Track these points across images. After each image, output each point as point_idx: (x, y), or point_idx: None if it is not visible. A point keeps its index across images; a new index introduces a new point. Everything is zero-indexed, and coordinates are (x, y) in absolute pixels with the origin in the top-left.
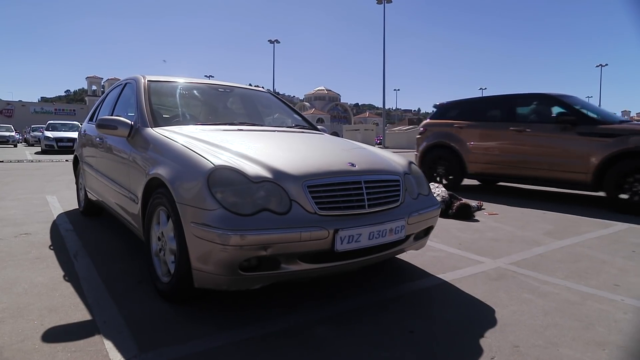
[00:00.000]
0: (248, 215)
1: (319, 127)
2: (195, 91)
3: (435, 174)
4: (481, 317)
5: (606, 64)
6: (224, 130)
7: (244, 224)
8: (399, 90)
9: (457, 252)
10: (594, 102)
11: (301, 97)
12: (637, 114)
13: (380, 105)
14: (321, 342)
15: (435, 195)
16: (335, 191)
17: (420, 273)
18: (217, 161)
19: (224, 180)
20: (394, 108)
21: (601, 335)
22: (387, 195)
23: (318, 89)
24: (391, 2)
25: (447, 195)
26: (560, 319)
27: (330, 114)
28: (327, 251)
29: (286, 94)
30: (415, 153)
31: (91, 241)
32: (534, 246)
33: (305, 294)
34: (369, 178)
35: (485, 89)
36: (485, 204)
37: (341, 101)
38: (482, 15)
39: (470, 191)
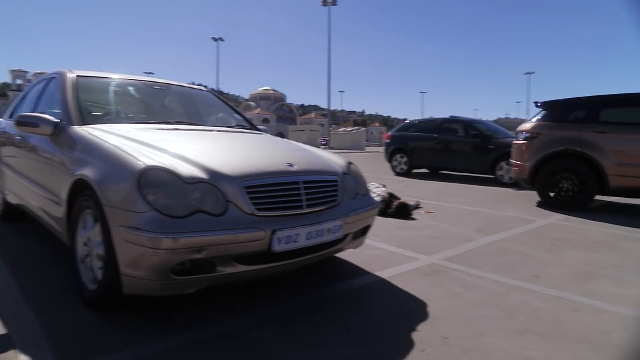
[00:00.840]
0: (181, 217)
1: (260, 127)
2: (128, 88)
3: (556, 190)
4: (414, 311)
5: (534, 72)
6: (159, 129)
7: (177, 226)
8: (344, 92)
9: (395, 249)
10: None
11: (246, 97)
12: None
13: (326, 106)
14: (260, 344)
15: (375, 194)
16: (273, 191)
17: (358, 271)
18: (149, 161)
19: (155, 181)
20: (339, 109)
21: (522, 324)
22: (326, 196)
23: (264, 88)
24: (335, 4)
25: (386, 195)
26: (486, 310)
27: (276, 114)
28: (264, 252)
29: (231, 94)
30: (357, 152)
31: (11, 248)
32: (466, 242)
33: (244, 295)
34: (308, 178)
35: (426, 92)
36: (423, 202)
37: (287, 101)
38: (424, 22)
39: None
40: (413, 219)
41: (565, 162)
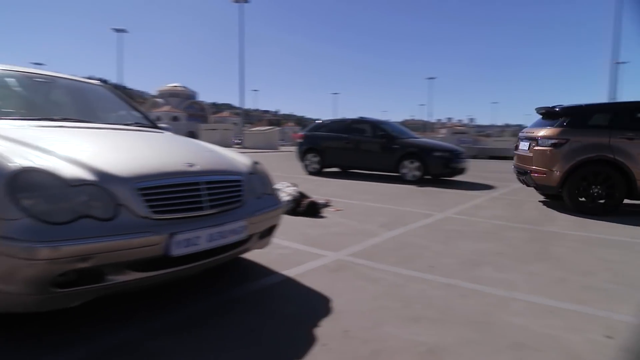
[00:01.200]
0: (63, 224)
1: (162, 125)
2: (4, 80)
3: (587, 196)
4: (318, 308)
5: (435, 77)
6: (40, 126)
7: (58, 233)
8: (258, 91)
9: (303, 247)
10: (425, 109)
11: (153, 93)
12: (458, 120)
13: (237, 104)
14: (159, 353)
15: (285, 194)
16: (171, 193)
17: (265, 271)
18: (24, 162)
19: (32, 184)
20: (253, 108)
21: (417, 312)
22: (229, 196)
23: (173, 85)
24: (248, 1)
25: (297, 194)
26: (386, 301)
27: (187, 112)
28: (161, 257)
29: (136, 89)
30: (271, 152)
31: None
32: (371, 238)
33: (143, 302)
34: (209, 179)
35: (338, 93)
36: (332, 200)
37: (198, 99)
38: (337, 28)
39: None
40: (323, 217)
41: (596, 168)
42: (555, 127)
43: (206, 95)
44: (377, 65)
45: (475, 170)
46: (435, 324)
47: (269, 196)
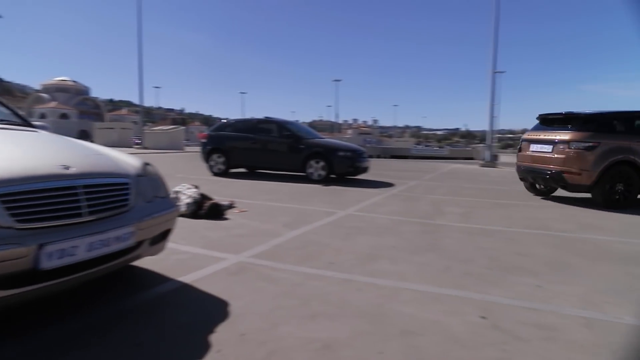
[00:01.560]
0: None
1: (37, 123)
2: None
3: (614, 193)
4: (214, 313)
5: (341, 79)
6: None
7: None
8: (160, 88)
9: (202, 251)
10: (333, 110)
11: (37, 87)
12: (363, 121)
13: (137, 102)
14: None
15: (185, 196)
16: (41, 199)
17: (160, 279)
18: None
19: None
20: (155, 106)
21: (314, 309)
22: (113, 200)
23: (60, 79)
24: None
25: (198, 196)
26: (285, 301)
27: (78, 109)
28: (30, 271)
29: (15, 82)
30: (176, 152)
31: None
32: (274, 238)
33: (15, 321)
34: (88, 182)
35: (246, 93)
36: (237, 201)
37: (92, 95)
38: (242, 27)
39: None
40: (226, 218)
41: (621, 169)
42: (584, 131)
43: (102, 91)
44: (285, 66)
45: (378, 169)
46: (331, 319)
47: (161, 199)
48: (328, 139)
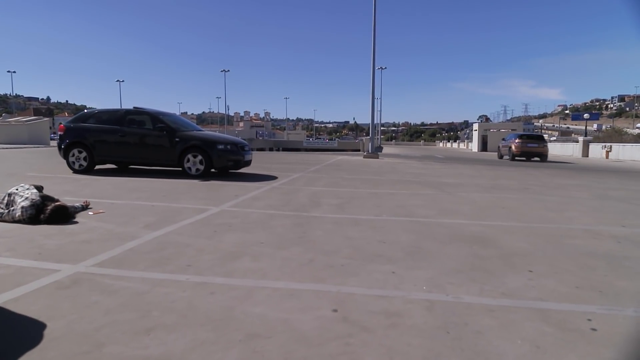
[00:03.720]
0: None
1: None
2: None
3: None
4: (24, 339)
5: (229, 70)
6: None
7: None
8: (15, 72)
9: (31, 264)
10: (222, 103)
11: None
12: (255, 114)
13: None
14: None
15: (22, 198)
16: None
17: None
18: None
19: None
20: (11, 94)
21: (153, 321)
22: None
23: None
24: None
25: (38, 198)
26: (120, 315)
27: None
28: None
29: None
30: (40, 147)
31: None
32: (128, 241)
33: None
34: None
35: (123, 81)
36: (96, 202)
37: None
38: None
39: None
40: (75, 222)
41: None
42: None
43: None
44: (169, 55)
45: (265, 162)
46: (170, 331)
47: None
48: (207, 131)
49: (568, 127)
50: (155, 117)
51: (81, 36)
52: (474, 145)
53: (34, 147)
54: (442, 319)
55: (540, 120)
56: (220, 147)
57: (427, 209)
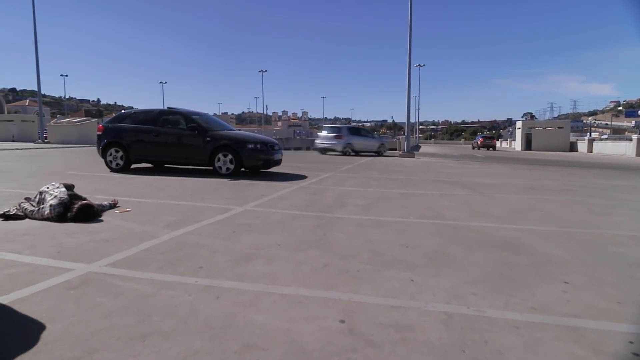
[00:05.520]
0: None
1: None
2: None
3: None
4: (19, 342)
5: (266, 70)
6: None
7: None
8: (67, 76)
9: (48, 262)
10: (260, 102)
11: None
12: (292, 113)
13: (48, 92)
14: None
15: (52, 196)
16: None
17: None
18: None
19: None
20: (65, 97)
21: (152, 326)
22: None
23: None
24: None
25: (66, 197)
26: (120, 318)
27: None
28: None
29: None
30: (87, 147)
31: None
32: (146, 241)
33: None
34: None
35: (166, 82)
36: (125, 200)
37: None
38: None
39: None
40: (100, 220)
41: None
42: None
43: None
44: (209, 60)
45: (297, 161)
46: (165, 338)
47: None
48: (238, 130)
49: (621, 125)
50: (188, 117)
51: (129, 38)
52: (517, 144)
53: (82, 146)
54: (459, 335)
55: (590, 118)
56: (250, 146)
57: (457, 210)
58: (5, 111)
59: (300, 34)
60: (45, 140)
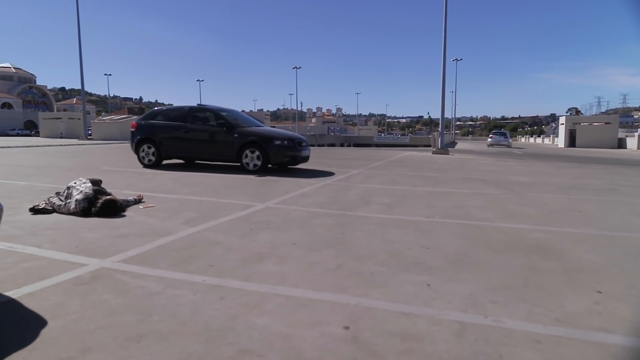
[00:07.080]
0: None
1: None
2: None
3: None
4: (18, 338)
5: (300, 67)
6: None
7: None
8: (110, 75)
9: (64, 257)
10: (294, 98)
11: None
12: (327, 109)
13: (93, 91)
14: None
15: (78, 192)
16: None
17: None
18: None
19: None
20: (110, 95)
21: (150, 326)
22: None
23: (2, 65)
24: None
25: (91, 192)
26: (120, 317)
27: (22, 99)
28: None
29: None
30: (126, 143)
31: None
32: (163, 237)
33: None
34: None
35: (203, 80)
36: (152, 195)
37: (38, 83)
38: (198, 12)
39: None
40: (123, 216)
41: None
42: None
43: (51, 79)
44: (245, 51)
45: (328, 157)
46: (161, 339)
47: None
48: (266, 127)
49: None
50: (217, 114)
51: (169, 36)
52: (560, 141)
53: (122, 143)
54: (471, 347)
55: None
56: (277, 142)
57: (486, 210)
58: (55, 109)
59: (334, 28)
60: (89, 137)
